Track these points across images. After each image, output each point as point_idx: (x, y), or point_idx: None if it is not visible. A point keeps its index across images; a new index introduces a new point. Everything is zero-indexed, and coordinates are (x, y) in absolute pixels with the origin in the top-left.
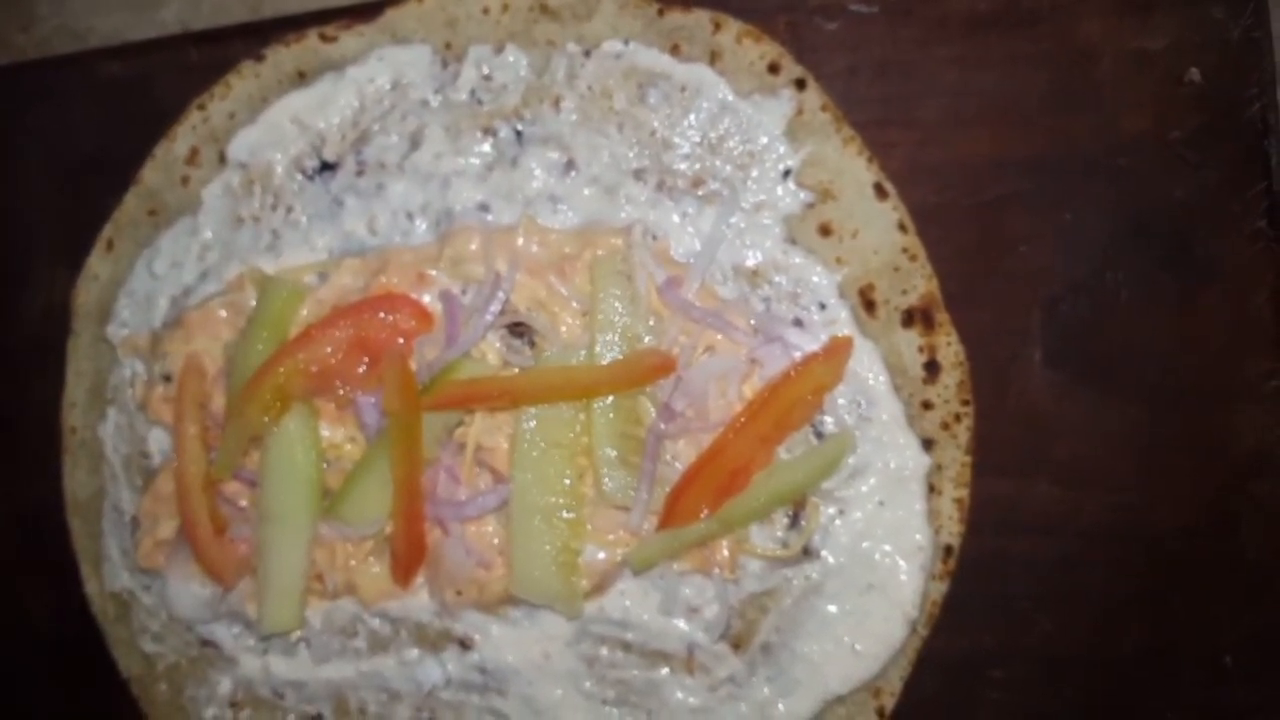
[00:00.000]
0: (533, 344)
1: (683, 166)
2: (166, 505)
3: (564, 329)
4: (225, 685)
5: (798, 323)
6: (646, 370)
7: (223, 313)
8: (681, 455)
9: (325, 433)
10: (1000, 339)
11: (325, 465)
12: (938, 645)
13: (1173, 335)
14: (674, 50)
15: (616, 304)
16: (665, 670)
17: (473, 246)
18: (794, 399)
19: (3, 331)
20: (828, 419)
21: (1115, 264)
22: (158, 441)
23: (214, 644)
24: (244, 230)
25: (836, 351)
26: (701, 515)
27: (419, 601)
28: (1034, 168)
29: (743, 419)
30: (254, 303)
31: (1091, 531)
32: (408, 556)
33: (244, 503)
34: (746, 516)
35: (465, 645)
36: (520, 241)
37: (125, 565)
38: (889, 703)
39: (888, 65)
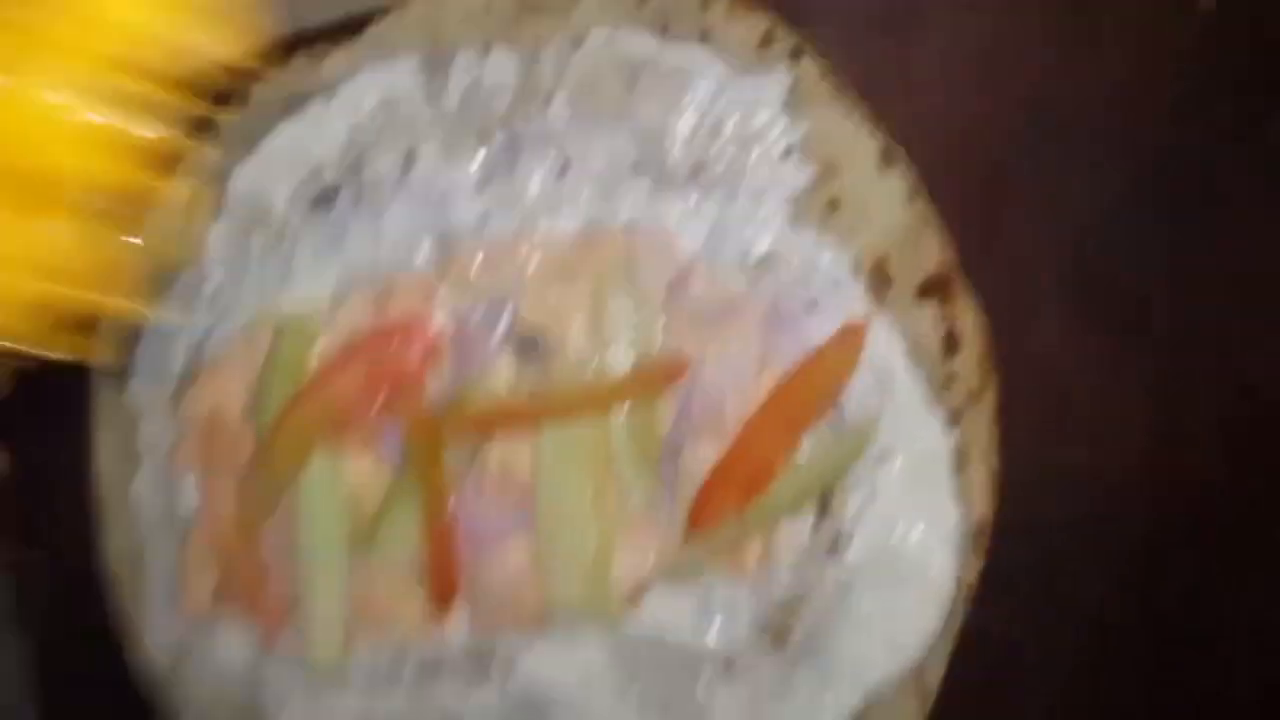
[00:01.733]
0: (544, 357)
1: (681, 155)
2: (206, 556)
3: (573, 338)
4: None
5: (811, 306)
6: (661, 376)
7: (239, 357)
8: (703, 457)
9: (351, 467)
10: (1017, 301)
11: (354, 500)
12: (979, 620)
13: (1193, 279)
14: (663, 31)
15: (624, 308)
16: (706, 676)
17: (477, 262)
18: (812, 389)
19: (27, 397)
20: (848, 404)
21: (1128, 211)
22: (190, 494)
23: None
24: (250, 272)
25: (851, 337)
26: (728, 516)
27: (459, 627)
28: (1040, 119)
29: (762, 415)
30: (268, 343)
31: (1123, 486)
32: (443, 583)
33: (280, 546)
34: (774, 513)
35: (506, 668)
36: (523, 251)
37: (172, 622)
38: (934, 682)
39: (883, 24)
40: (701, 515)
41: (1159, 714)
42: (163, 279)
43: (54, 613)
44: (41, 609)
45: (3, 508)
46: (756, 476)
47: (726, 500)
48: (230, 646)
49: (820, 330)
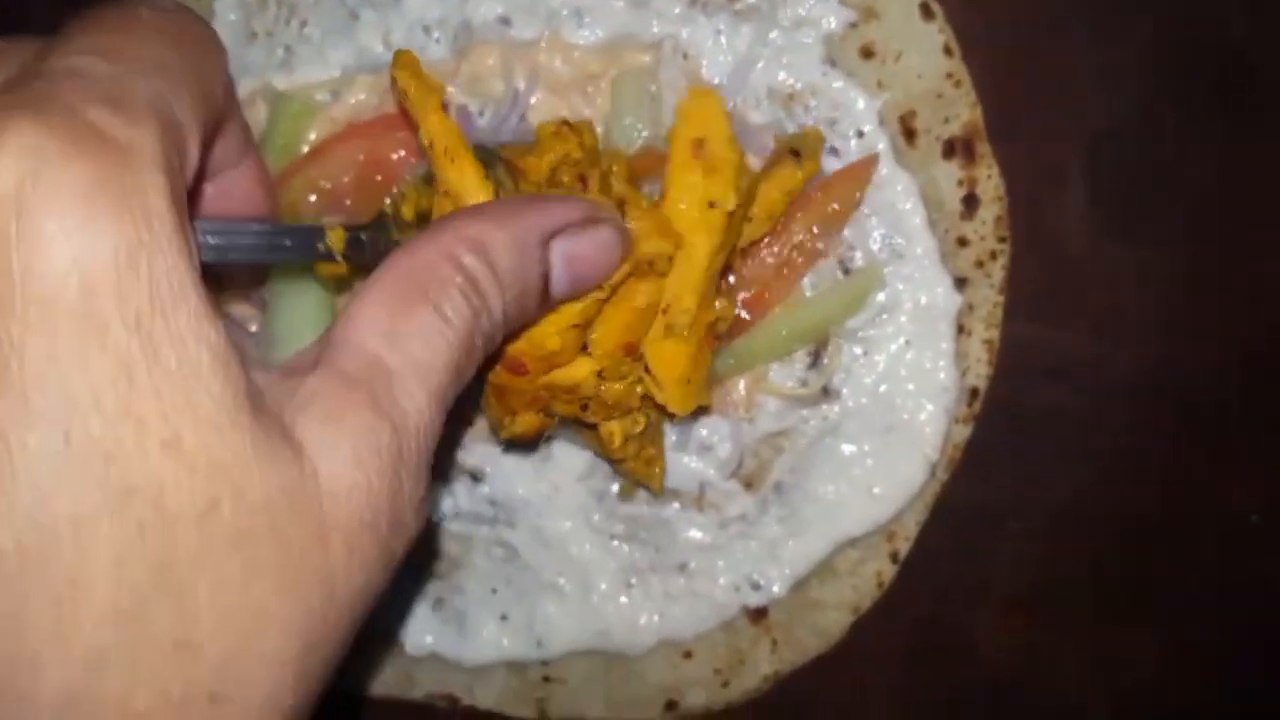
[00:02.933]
0: None
1: None
2: None
3: None
4: None
5: (833, 151)
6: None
7: None
8: None
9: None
10: (1041, 175)
11: (338, 290)
12: (956, 492)
13: (1221, 181)
14: None
15: (638, 125)
16: (675, 507)
17: (491, 62)
18: (814, 220)
19: None
20: (857, 253)
21: (1166, 102)
22: None
23: None
24: (256, 46)
25: (861, 169)
26: (715, 347)
27: None
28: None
29: (765, 245)
30: (264, 120)
31: (1121, 381)
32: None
33: (254, 327)
34: (766, 353)
35: (476, 478)
36: (542, 58)
37: None
38: (903, 547)
39: None
40: None
41: (1113, 608)
42: None
43: None
44: None
45: None
46: (749, 308)
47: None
48: None
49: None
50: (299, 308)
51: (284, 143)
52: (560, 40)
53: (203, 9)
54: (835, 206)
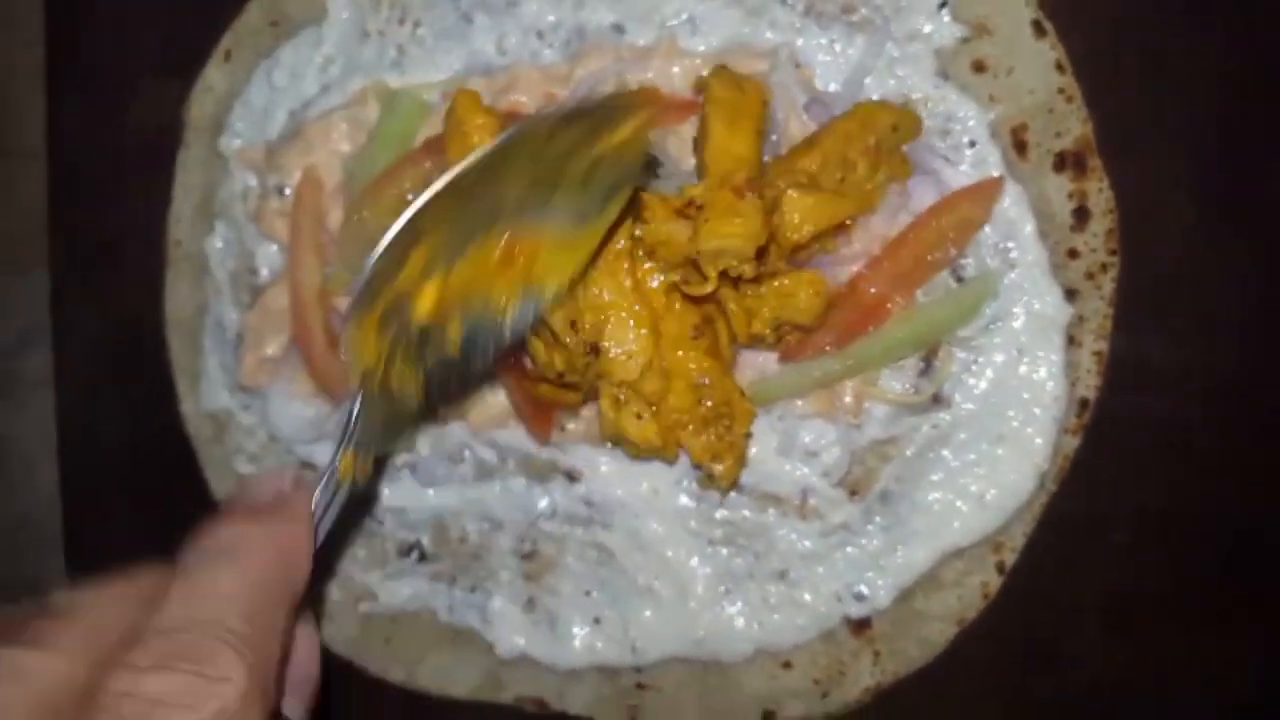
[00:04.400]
0: (657, 176)
1: None
2: (274, 321)
3: (694, 160)
4: None
5: (946, 159)
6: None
7: (343, 126)
8: None
9: None
10: (1151, 189)
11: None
12: (1062, 503)
13: None
14: None
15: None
16: (776, 513)
17: (606, 68)
18: (941, 235)
19: (110, 142)
20: (969, 263)
21: (1276, 118)
22: (267, 257)
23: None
24: (369, 45)
25: (987, 189)
26: (826, 349)
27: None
28: (1199, 9)
29: (886, 253)
30: (376, 118)
31: (1231, 394)
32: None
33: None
34: (879, 358)
35: (572, 478)
36: (656, 64)
37: (225, 384)
38: (1009, 558)
39: None
40: (799, 344)
41: (1220, 617)
42: (276, 37)
43: (101, 353)
44: (80, 372)
45: None
46: (865, 315)
47: (828, 333)
48: (286, 413)
49: (958, 183)
50: None
51: (396, 140)
52: (675, 46)
53: (314, 7)
54: (959, 223)
